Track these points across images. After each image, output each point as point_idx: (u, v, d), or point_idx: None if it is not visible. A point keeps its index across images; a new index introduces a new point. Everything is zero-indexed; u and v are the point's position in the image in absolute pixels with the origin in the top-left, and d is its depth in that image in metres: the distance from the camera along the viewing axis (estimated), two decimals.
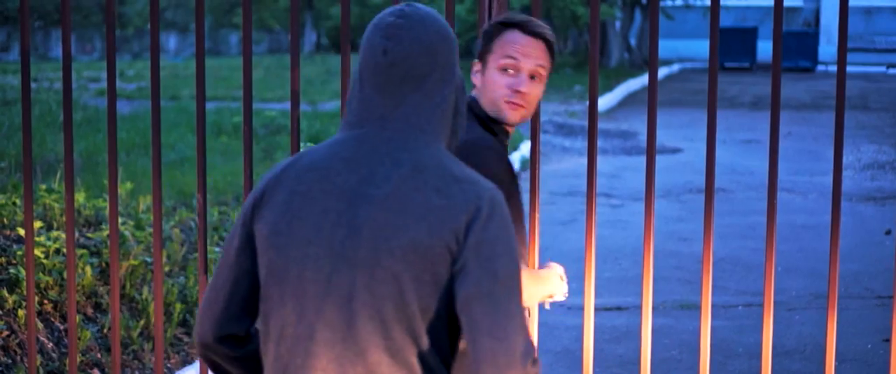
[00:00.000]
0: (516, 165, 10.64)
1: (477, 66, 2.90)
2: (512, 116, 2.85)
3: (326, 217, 2.18)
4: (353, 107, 2.26)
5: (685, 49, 27.53)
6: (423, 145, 2.21)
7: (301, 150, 2.91)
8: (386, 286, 2.13)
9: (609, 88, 20.05)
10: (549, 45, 2.87)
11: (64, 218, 6.32)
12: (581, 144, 14.36)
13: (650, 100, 3.35)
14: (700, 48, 28.20)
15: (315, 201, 2.19)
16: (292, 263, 2.19)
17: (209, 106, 13.18)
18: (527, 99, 2.84)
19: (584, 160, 13.12)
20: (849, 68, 25.44)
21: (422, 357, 2.15)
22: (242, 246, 2.28)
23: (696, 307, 7.01)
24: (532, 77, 2.84)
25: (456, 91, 2.28)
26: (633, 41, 25.32)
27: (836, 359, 5.39)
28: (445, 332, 2.17)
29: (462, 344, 2.20)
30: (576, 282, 7.59)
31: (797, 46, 25.35)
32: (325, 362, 2.16)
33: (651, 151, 3.35)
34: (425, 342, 2.15)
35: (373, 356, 2.14)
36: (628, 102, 19.58)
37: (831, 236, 3.21)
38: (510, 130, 2.91)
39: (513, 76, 2.83)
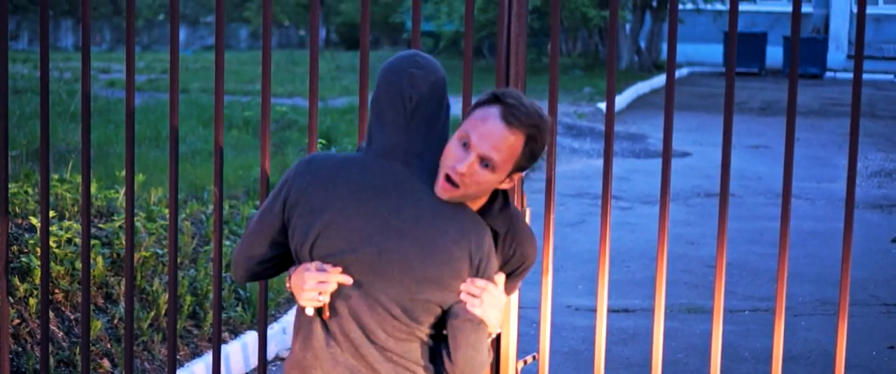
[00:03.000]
0: None
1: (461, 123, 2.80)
2: (439, 191, 2.71)
3: (360, 235, 2.70)
4: (378, 138, 2.77)
5: (694, 53, 27.50)
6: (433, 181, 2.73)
7: (317, 150, 2.95)
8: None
9: (618, 90, 20.04)
10: (528, 138, 2.69)
11: (75, 208, 6.35)
12: (589, 145, 14.37)
13: (667, 106, 3.37)
14: (709, 52, 28.18)
15: (350, 219, 2.71)
16: (339, 241, 2.71)
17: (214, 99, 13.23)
18: (463, 180, 2.67)
19: (593, 162, 13.16)
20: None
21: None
22: (275, 222, 2.80)
23: (703, 311, 7.03)
24: (483, 163, 2.67)
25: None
26: (642, 44, 25.33)
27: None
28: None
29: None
30: (585, 283, 7.64)
31: (806, 53, 25.29)
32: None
33: (667, 157, 3.37)
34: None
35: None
36: (637, 104, 19.58)
37: (844, 242, 3.22)
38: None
39: (462, 151, 2.68)
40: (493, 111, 2.68)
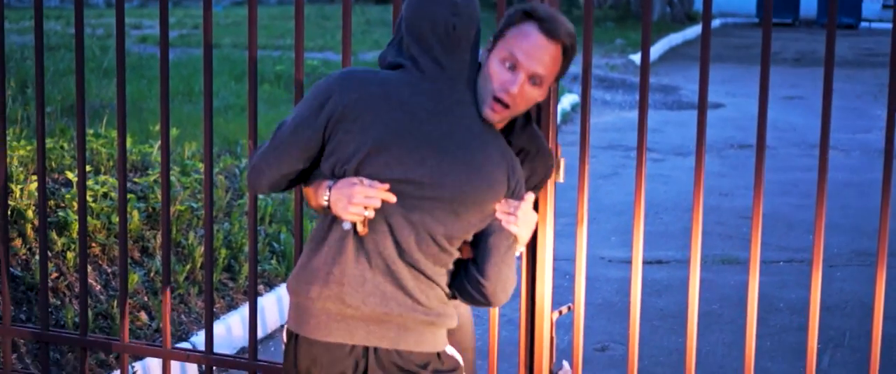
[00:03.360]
0: (558, 118, 10.60)
1: (489, 44, 2.81)
2: (490, 114, 2.76)
3: (413, 158, 2.71)
4: (422, 62, 2.79)
5: (727, 4, 27.25)
6: (469, 112, 2.79)
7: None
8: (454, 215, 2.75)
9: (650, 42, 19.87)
10: (565, 50, 2.76)
11: (111, 163, 6.40)
12: (621, 97, 14.30)
13: (703, 57, 3.34)
14: (741, 3, 27.92)
15: (404, 139, 2.72)
16: (382, 153, 2.72)
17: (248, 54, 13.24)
18: (515, 100, 2.74)
19: (625, 114, 13.10)
20: (888, 25, 25.13)
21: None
22: (315, 136, 2.78)
23: (737, 262, 7.01)
24: (532, 80, 2.74)
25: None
26: None
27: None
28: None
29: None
30: (618, 235, 7.63)
31: (841, 3, 25.00)
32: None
33: (703, 107, 3.35)
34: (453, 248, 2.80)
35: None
36: (669, 56, 19.46)
37: (882, 192, 3.20)
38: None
39: (510, 73, 2.73)
40: (532, 28, 2.73)
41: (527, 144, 2.90)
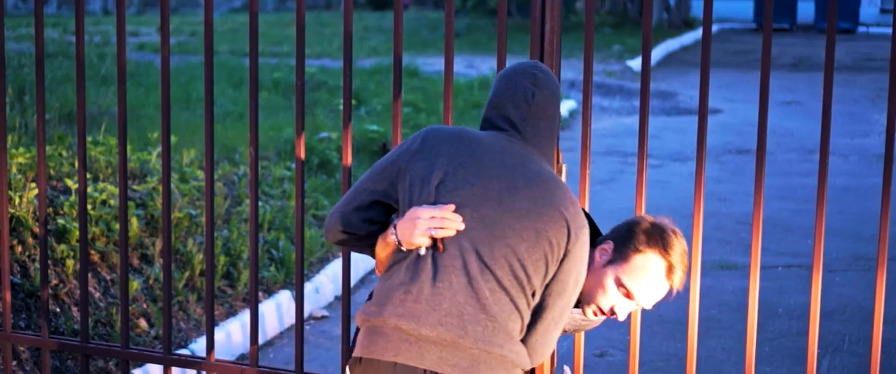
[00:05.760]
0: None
1: (609, 245, 2.86)
2: (589, 314, 2.88)
3: (477, 189, 2.73)
4: (502, 124, 2.90)
5: (724, 10, 27.24)
6: (545, 165, 2.88)
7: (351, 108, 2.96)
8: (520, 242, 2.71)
9: None
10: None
11: (109, 170, 6.39)
12: (619, 103, 14.31)
13: (703, 62, 3.35)
14: (739, 9, 27.94)
15: (472, 178, 2.75)
16: (452, 196, 2.73)
17: (247, 61, 13.25)
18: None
19: (623, 120, 13.10)
20: (886, 30, 25.15)
21: (521, 294, 2.72)
22: (390, 177, 2.83)
23: (736, 267, 7.02)
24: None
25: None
26: (671, 1, 25.13)
27: None
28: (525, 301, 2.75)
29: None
30: None
31: (838, 8, 24.97)
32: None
33: (703, 113, 3.35)
34: (524, 287, 2.72)
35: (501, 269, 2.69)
36: (667, 62, 19.46)
37: (883, 196, 3.21)
38: None
39: (624, 300, 2.85)
40: (659, 269, 2.82)
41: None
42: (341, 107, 9.32)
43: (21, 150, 6.12)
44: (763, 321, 5.91)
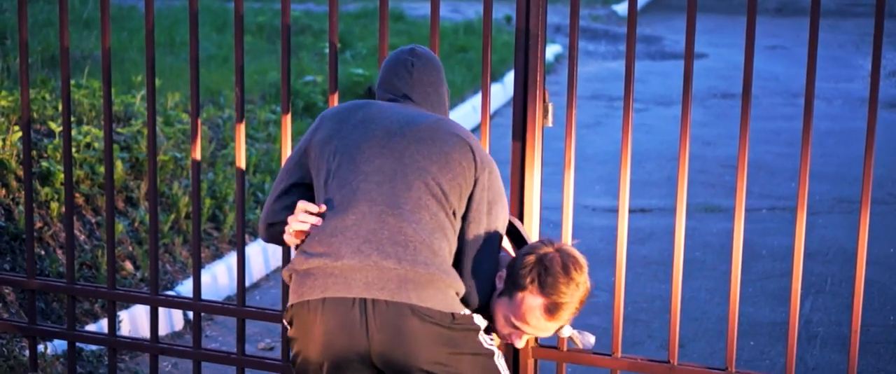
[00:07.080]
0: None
1: (503, 273, 2.89)
2: (496, 336, 2.96)
3: (376, 137, 2.87)
4: (381, 94, 3.12)
5: None
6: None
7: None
8: (429, 169, 2.83)
9: None
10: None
11: (93, 113, 6.36)
12: (604, 48, 14.27)
13: (689, 9, 3.34)
14: None
15: (372, 126, 2.90)
16: (351, 150, 2.86)
17: (230, 5, 13.13)
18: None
19: (608, 64, 13.08)
20: None
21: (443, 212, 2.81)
22: (301, 160, 2.98)
23: (719, 210, 7.05)
24: None
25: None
26: None
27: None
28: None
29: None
30: (603, 184, 7.65)
31: None
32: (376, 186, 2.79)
33: (689, 57, 3.35)
34: (446, 208, 2.82)
35: (417, 189, 2.78)
36: (652, 7, 19.37)
37: (867, 139, 3.22)
38: None
39: (515, 332, 2.92)
40: (539, 308, 2.85)
41: None
42: (327, 50, 9.23)
43: (3, 93, 6.08)
44: (747, 263, 5.94)
